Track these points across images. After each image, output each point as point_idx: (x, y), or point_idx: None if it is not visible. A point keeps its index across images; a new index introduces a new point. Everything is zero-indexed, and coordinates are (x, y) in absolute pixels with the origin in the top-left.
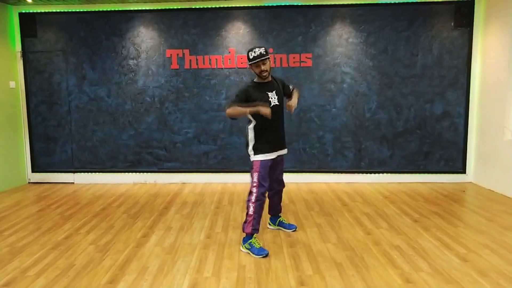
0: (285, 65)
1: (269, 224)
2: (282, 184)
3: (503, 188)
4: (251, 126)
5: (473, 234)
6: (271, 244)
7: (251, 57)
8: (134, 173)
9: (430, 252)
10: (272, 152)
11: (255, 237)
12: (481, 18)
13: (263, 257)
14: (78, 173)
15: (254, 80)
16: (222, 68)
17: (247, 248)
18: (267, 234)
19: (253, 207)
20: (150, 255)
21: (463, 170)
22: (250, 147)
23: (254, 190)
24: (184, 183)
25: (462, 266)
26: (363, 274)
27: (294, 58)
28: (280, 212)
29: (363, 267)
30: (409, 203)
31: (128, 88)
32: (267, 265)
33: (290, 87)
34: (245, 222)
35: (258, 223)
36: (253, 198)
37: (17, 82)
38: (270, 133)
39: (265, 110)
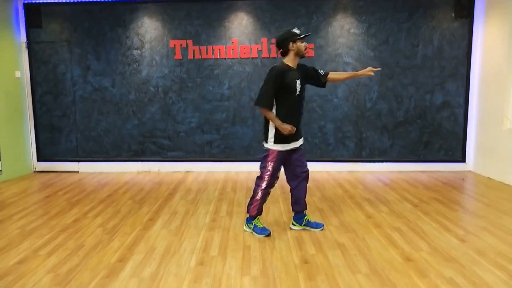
0: None
1: (293, 225)
2: (305, 167)
3: (502, 176)
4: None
5: (471, 218)
6: (274, 226)
7: (297, 32)
8: (138, 162)
9: (429, 233)
10: (291, 142)
11: (258, 218)
12: (481, 9)
13: (266, 236)
14: (83, 162)
15: (286, 63)
16: (225, 58)
17: (250, 228)
18: (270, 216)
19: (261, 192)
20: (157, 237)
21: (462, 159)
22: (271, 135)
23: (266, 177)
24: (187, 172)
25: (461, 246)
26: (365, 254)
27: None
28: (306, 208)
29: (365, 247)
30: (409, 190)
31: (132, 78)
32: (271, 245)
33: (322, 72)
34: (250, 204)
35: (262, 207)
36: (263, 184)
37: (22, 72)
38: (290, 123)
39: (289, 131)
